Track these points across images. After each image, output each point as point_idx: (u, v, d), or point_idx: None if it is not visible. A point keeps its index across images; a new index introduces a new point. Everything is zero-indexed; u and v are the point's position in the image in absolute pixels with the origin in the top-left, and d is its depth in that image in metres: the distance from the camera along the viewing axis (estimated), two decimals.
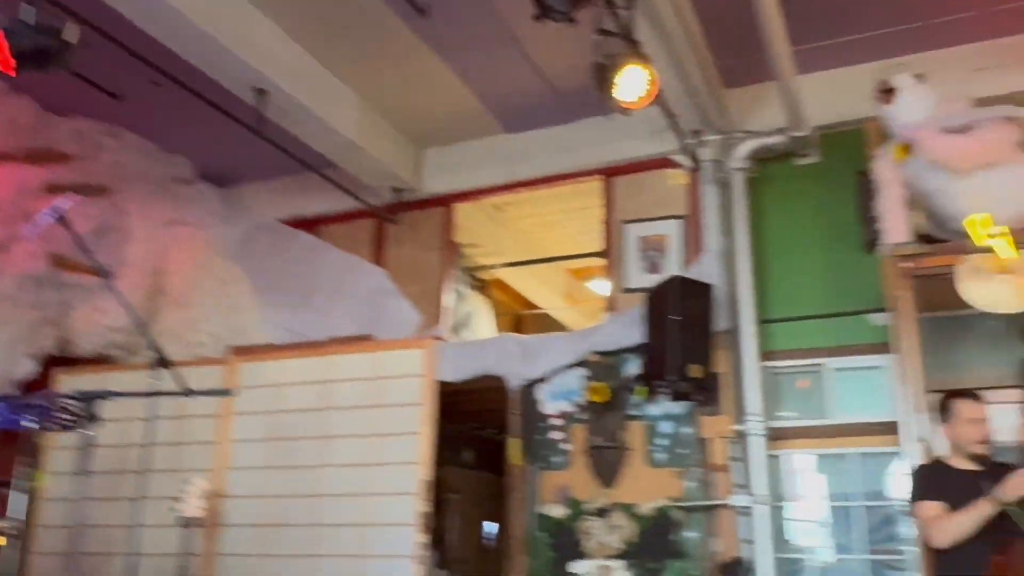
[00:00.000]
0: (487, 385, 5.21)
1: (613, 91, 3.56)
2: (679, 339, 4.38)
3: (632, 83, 3.52)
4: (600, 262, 5.48)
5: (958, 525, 3.15)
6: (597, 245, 5.50)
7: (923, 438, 3.79)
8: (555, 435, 4.98)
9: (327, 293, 5.70)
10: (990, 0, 4.36)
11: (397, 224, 5.91)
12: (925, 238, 4.15)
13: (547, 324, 7.58)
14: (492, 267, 6.80)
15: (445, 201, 5.91)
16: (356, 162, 5.49)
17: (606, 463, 4.78)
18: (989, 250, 3.68)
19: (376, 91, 5.30)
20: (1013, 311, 3.75)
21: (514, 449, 4.99)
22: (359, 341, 4.97)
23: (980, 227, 3.67)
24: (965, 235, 3.72)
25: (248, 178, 6.35)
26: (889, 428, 4.05)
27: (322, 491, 4.55)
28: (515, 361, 5.05)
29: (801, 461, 4.63)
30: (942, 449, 3.59)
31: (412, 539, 4.21)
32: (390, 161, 5.59)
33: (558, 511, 4.80)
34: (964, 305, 3.82)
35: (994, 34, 4.57)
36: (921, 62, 4.22)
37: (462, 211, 5.98)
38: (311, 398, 4.73)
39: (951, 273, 3.83)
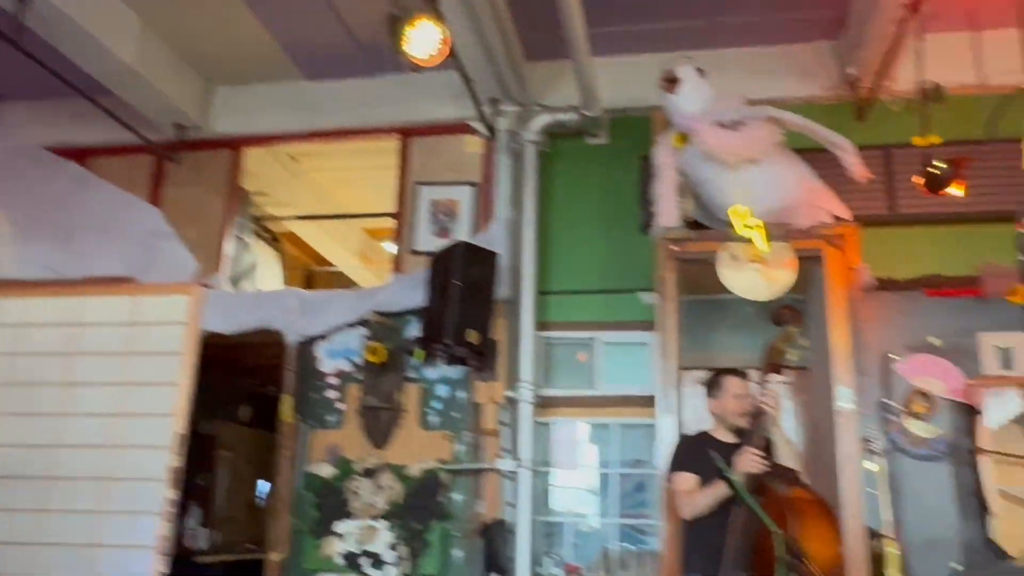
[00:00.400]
0: (267, 340, 5.03)
1: (405, 45, 3.48)
2: (459, 304, 4.40)
3: (424, 39, 3.47)
4: (393, 223, 5.41)
5: (700, 501, 3.38)
6: (392, 205, 5.42)
7: (674, 411, 4.04)
8: (330, 394, 4.89)
9: (94, 230, 5.24)
10: (768, 8, 4.67)
11: (178, 163, 5.53)
12: (694, 224, 4.41)
13: (342, 282, 7.44)
14: (283, 219, 6.53)
15: (234, 144, 5.59)
16: (135, 92, 5.06)
17: (379, 424, 4.75)
18: (747, 240, 3.96)
19: (162, 17, 4.90)
20: (763, 298, 4.04)
21: (286, 406, 4.85)
22: (118, 283, 4.60)
23: (741, 218, 3.93)
24: (728, 224, 3.98)
25: (9, 96, 5.71)
26: (649, 401, 4.27)
27: (63, 441, 4.19)
28: (294, 316, 4.89)
29: (569, 429, 4.81)
30: (703, 422, 3.83)
31: (161, 495, 3.97)
32: (174, 95, 5.21)
33: (327, 470, 4.72)
34: (723, 289, 4.06)
35: (769, 42, 4.90)
36: (705, 58, 4.43)
37: (252, 156, 5.69)
38: (58, 341, 4.33)
39: (713, 259, 4.08)
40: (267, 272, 6.28)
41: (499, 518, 4.51)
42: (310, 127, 5.49)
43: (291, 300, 4.97)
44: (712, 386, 3.71)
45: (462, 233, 5.04)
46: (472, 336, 4.40)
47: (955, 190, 3.74)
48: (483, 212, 5.11)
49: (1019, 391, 4.09)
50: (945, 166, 3.69)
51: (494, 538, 4.42)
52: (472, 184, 5.18)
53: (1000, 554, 4.00)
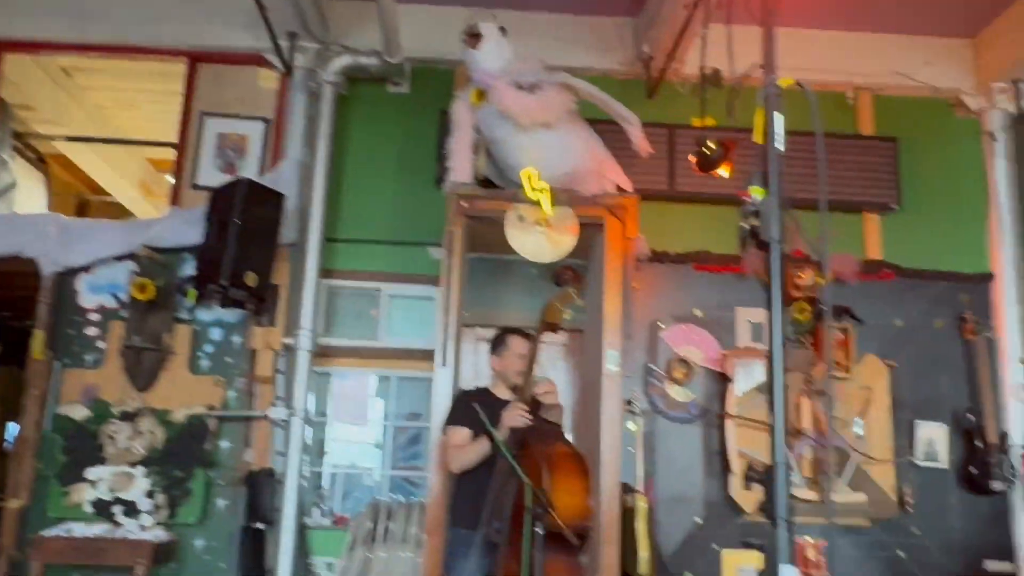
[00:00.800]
0: (21, 269, 4.58)
1: None
2: (239, 244, 4.18)
3: None
4: (174, 153, 5.04)
5: (467, 455, 3.45)
6: (175, 135, 5.04)
7: (452, 366, 4.07)
8: (90, 331, 4.54)
9: None
10: None
11: None
12: (486, 182, 4.43)
13: (120, 214, 6.90)
14: (51, 138, 5.93)
15: None
16: None
17: (143, 365, 4.46)
18: (535, 202, 4.03)
19: None
20: (546, 260, 4.15)
21: (37, 342, 4.45)
22: None
23: (530, 180, 4.00)
24: (518, 185, 4.03)
25: None
26: (430, 355, 4.25)
27: None
28: (51, 244, 4.47)
29: (347, 380, 4.75)
30: (483, 378, 3.89)
31: None
32: None
33: (80, 412, 4.38)
34: (509, 249, 4.11)
35: (573, 11, 4.98)
36: (510, 18, 4.42)
37: (14, 64, 5.11)
38: None
39: (501, 218, 4.12)
40: (29, 196, 5.71)
41: (267, 467, 4.39)
42: (83, 38, 4.97)
43: (49, 226, 4.54)
44: (497, 344, 3.77)
45: (250, 170, 4.80)
46: (251, 279, 4.22)
47: (723, 171, 3.99)
48: (273, 151, 4.88)
49: (765, 362, 4.46)
50: (715, 148, 3.92)
51: (260, 487, 4.30)
52: (264, 120, 4.93)
53: (736, 509, 4.39)
